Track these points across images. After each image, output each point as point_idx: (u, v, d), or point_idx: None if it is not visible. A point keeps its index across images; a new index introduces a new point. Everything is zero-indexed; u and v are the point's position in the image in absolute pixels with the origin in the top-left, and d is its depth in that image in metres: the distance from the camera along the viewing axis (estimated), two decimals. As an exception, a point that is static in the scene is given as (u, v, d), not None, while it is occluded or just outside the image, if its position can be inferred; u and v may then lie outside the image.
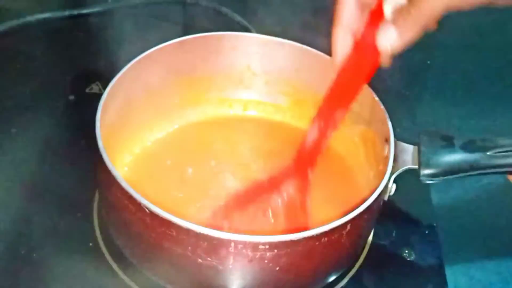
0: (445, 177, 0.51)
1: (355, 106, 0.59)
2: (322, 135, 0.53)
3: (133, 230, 0.47)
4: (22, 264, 0.54)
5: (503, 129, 0.76)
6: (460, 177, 0.51)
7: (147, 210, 0.44)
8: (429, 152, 0.51)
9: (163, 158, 0.61)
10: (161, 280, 0.51)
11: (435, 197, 0.65)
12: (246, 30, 0.79)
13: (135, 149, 0.61)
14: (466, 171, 0.50)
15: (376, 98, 0.56)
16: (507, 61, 0.87)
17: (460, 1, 0.44)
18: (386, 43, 0.46)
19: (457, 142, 0.51)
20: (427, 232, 0.61)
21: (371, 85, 0.57)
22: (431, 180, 0.52)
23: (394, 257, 0.59)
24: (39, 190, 0.60)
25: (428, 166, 0.51)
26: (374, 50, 0.47)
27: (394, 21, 0.46)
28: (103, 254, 0.55)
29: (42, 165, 0.63)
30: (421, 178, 0.51)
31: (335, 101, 0.52)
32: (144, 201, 0.44)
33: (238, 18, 0.82)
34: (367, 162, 0.59)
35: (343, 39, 0.50)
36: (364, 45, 0.48)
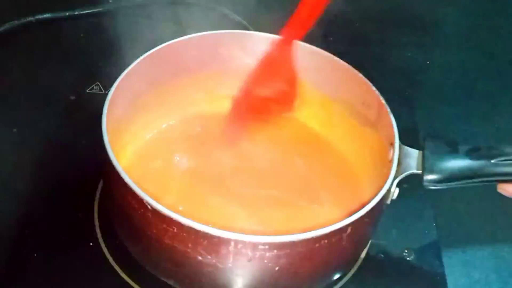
0: (449, 183, 0.50)
1: (362, 108, 0.59)
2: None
3: (135, 225, 0.48)
4: (22, 264, 0.54)
5: (503, 129, 0.76)
6: (463, 184, 0.50)
7: (149, 206, 0.44)
8: (433, 157, 0.51)
9: (166, 154, 0.61)
10: (162, 275, 0.51)
11: (435, 197, 0.65)
12: (246, 30, 0.79)
13: (138, 145, 0.61)
14: (470, 178, 0.50)
15: (383, 101, 0.55)
16: (506, 61, 0.87)
17: None
18: None
19: (462, 149, 0.50)
20: (427, 232, 0.61)
21: (378, 87, 0.56)
22: (434, 186, 0.51)
23: (394, 257, 0.59)
24: (39, 190, 0.60)
25: (432, 171, 0.50)
26: None
27: None
28: (103, 254, 0.55)
29: (42, 166, 0.63)
30: (425, 183, 0.50)
31: None
32: (147, 197, 0.44)
33: (238, 18, 0.82)
34: (372, 164, 0.59)
35: None
36: None
